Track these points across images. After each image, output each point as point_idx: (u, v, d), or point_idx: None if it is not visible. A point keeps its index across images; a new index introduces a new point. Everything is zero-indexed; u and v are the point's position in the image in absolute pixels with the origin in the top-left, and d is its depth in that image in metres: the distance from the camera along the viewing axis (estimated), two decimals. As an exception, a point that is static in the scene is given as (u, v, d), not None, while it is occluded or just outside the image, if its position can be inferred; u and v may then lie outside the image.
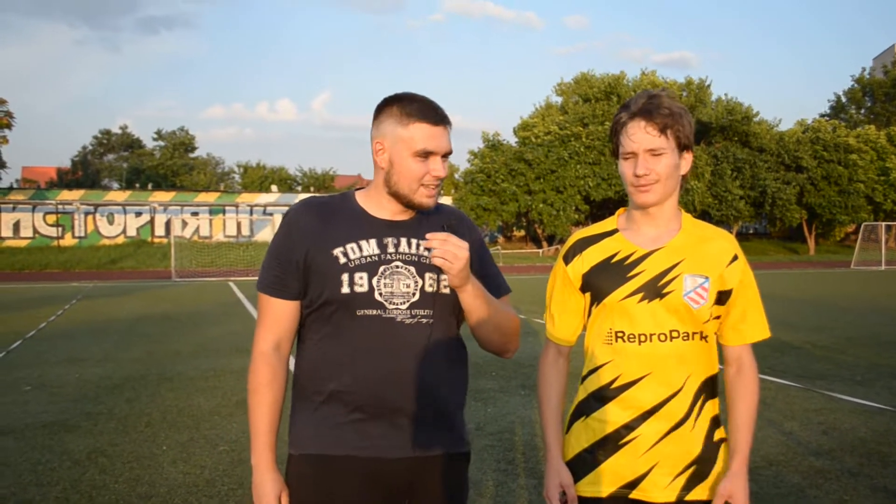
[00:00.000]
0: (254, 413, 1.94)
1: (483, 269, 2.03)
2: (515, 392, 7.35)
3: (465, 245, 1.83)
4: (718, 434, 1.98)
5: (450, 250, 1.81)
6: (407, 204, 1.94)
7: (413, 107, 1.89)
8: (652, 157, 1.89)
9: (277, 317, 1.95)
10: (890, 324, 12.85)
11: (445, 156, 1.93)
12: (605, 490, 1.96)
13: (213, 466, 5.10)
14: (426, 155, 1.89)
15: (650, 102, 1.89)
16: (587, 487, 1.98)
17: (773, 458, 5.10)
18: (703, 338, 1.94)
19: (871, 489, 4.50)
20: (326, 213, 1.96)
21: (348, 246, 1.91)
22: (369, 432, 1.88)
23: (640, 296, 1.92)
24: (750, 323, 2.00)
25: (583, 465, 2.00)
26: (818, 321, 13.31)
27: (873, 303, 16.98)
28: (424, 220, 1.99)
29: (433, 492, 1.94)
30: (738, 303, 1.98)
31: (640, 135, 1.88)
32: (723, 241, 2.00)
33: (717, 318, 1.96)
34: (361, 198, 2.01)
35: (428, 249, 1.91)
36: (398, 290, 1.90)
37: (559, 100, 56.97)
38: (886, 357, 9.31)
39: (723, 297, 1.95)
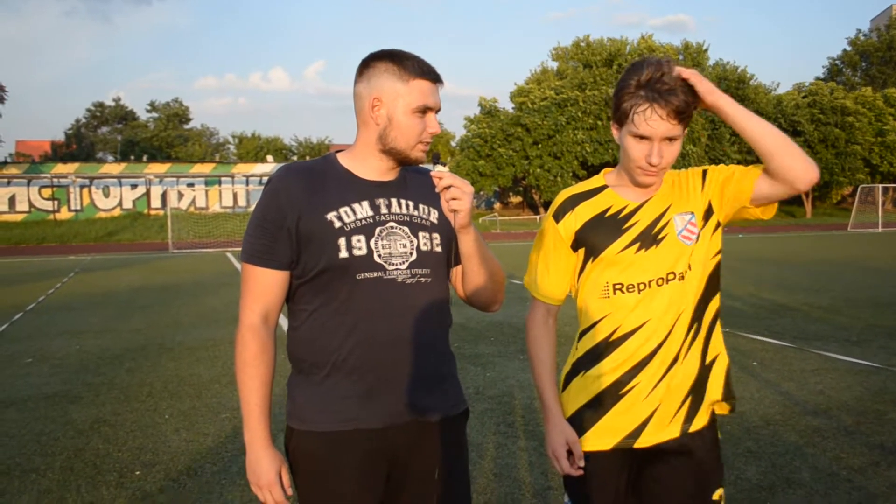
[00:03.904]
0: (245, 388, 1.87)
1: None
2: (514, 357, 7.39)
3: (466, 181, 1.84)
4: (710, 355, 2.00)
5: (459, 185, 1.81)
6: (403, 160, 1.93)
7: (411, 63, 1.88)
8: (667, 144, 1.88)
9: (265, 287, 1.88)
10: (886, 285, 12.90)
11: (437, 112, 1.94)
12: (609, 443, 1.98)
13: (215, 434, 5.14)
14: (425, 111, 1.89)
15: (669, 88, 1.82)
16: (590, 442, 1.99)
17: (770, 418, 5.15)
18: (692, 269, 1.95)
19: (867, 446, 4.56)
20: (312, 177, 1.91)
21: (341, 210, 1.88)
22: (375, 401, 1.87)
23: (636, 246, 1.95)
24: (743, 169, 1.93)
25: (584, 420, 2.01)
26: (815, 283, 13.35)
27: (870, 265, 17.01)
28: (409, 178, 2.00)
29: (438, 452, 1.94)
30: (731, 178, 1.93)
31: (658, 123, 1.84)
32: (692, 172, 2.03)
33: (718, 227, 1.98)
34: (345, 159, 1.97)
35: (417, 207, 1.94)
36: (396, 250, 1.89)
37: (555, 65, 56.46)
38: (882, 318, 9.36)
39: (718, 224, 1.97)
